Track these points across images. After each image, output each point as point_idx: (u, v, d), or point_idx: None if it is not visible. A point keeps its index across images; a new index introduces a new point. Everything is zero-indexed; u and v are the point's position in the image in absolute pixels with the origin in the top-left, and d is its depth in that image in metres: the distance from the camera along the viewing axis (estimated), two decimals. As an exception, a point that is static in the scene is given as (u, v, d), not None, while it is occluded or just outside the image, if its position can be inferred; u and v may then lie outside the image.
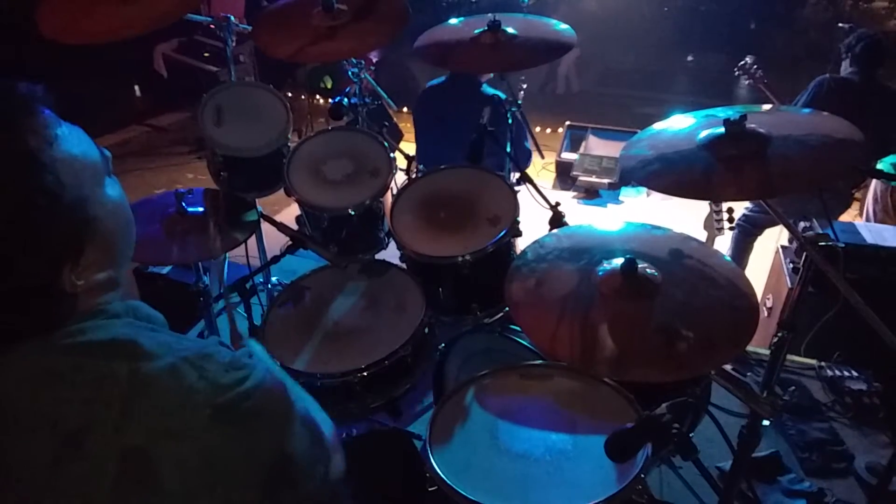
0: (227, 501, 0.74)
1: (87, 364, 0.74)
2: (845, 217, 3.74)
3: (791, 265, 2.92)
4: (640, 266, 1.45)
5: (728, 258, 1.60)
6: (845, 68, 3.37)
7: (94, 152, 0.82)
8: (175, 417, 0.72)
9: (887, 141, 3.23)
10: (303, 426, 0.83)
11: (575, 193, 4.92)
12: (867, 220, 3.84)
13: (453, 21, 2.47)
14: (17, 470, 0.71)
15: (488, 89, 3.06)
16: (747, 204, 3.57)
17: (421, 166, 2.41)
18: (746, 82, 3.73)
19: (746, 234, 3.55)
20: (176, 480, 0.71)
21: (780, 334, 1.47)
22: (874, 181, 3.83)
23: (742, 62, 3.76)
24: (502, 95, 2.93)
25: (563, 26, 2.31)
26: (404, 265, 2.07)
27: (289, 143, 2.42)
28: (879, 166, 3.61)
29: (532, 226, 2.07)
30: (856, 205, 4.12)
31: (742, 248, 3.57)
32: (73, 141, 0.79)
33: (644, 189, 4.80)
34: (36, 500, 0.71)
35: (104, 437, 0.71)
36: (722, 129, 1.41)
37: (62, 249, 0.76)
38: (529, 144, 3.05)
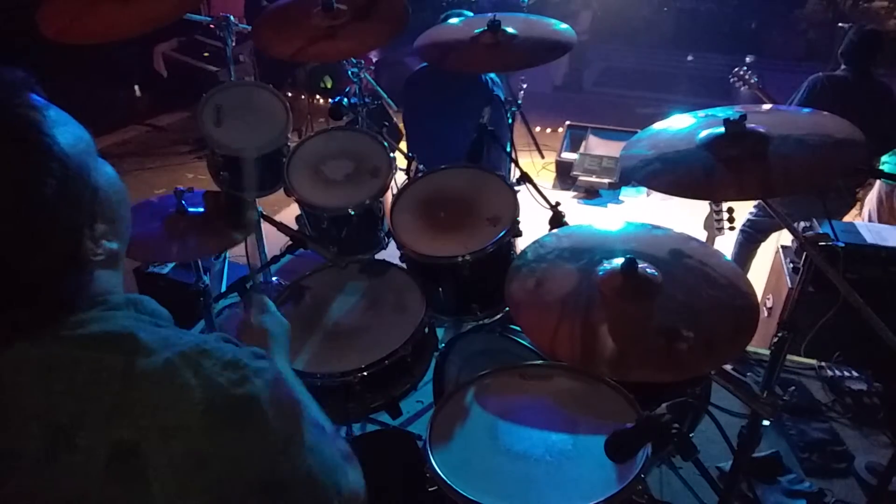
0: (219, 502, 0.73)
1: (82, 357, 0.74)
2: (847, 217, 3.72)
3: (791, 265, 2.92)
4: (640, 266, 1.45)
5: (728, 258, 1.60)
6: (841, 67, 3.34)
7: (84, 130, 0.83)
8: (166, 414, 0.72)
9: (885, 138, 3.20)
10: (310, 451, 0.80)
11: (575, 193, 4.92)
12: (869, 221, 3.82)
13: (453, 21, 2.47)
14: (12, 460, 0.71)
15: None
16: (751, 209, 3.55)
17: (411, 154, 2.39)
18: (742, 89, 3.70)
19: (751, 241, 3.52)
20: (166, 477, 0.70)
21: (780, 334, 1.47)
22: (878, 183, 3.80)
23: (736, 69, 3.71)
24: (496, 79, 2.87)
25: (563, 26, 2.31)
26: (404, 265, 2.07)
27: (289, 143, 2.42)
28: (883, 167, 3.58)
29: (532, 226, 2.07)
30: (857, 204, 4.11)
31: (745, 254, 3.54)
32: (64, 117, 0.80)
33: (644, 189, 4.80)
34: (30, 491, 0.71)
35: (95, 430, 0.71)
36: (722, 129, 1.41)
37: (79, 214, 0.77)
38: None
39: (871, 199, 3.85)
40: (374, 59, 6.00)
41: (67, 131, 0.78)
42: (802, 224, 2.70)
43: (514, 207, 2.01)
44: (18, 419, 0.72)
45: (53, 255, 0.75)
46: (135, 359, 0.73)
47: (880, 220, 3.70)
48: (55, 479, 0.71)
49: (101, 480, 0.70)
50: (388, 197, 2.21)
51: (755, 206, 3.53)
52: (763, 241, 3.55)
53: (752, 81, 3.62)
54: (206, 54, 5.72)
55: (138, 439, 0.70)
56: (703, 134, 1.45)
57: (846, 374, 2.55)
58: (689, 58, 7.17)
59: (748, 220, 3.51)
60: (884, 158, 3.60)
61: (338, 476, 0.85)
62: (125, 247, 0.88)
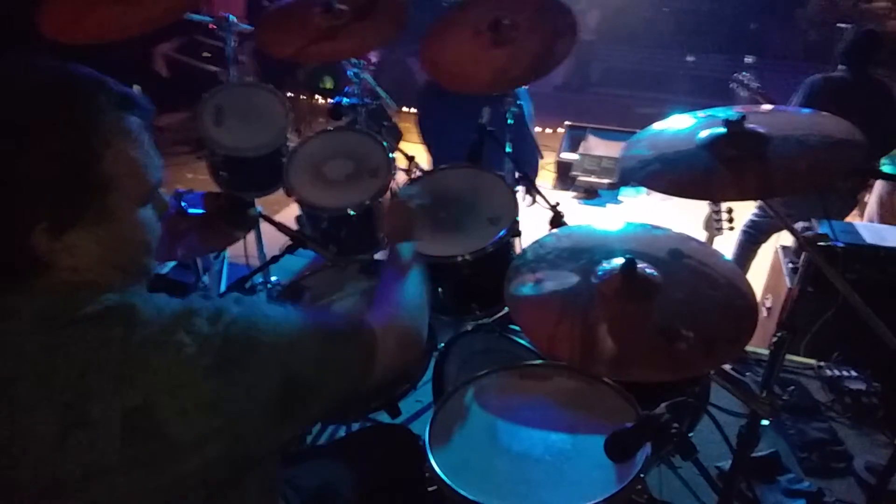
0: (235, 437, 0.79)
1: (81, 335, 0.77)
2: (847, 218, 3.72)
3: (791, 265, 2.92)
4: (639, 266, 1.45)
5: (727, 258, 1.60)
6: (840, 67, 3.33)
7: (154, 174, 0.88)
8: (169, 374, 0.76)
9: (886, 138, 3.19)
10: (321, 346, 0.90)
11: (575, 193, 4.92)
12: (869, 222, 3.81)
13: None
14: (26, 443, 0.74)
15: None
16: (753, 210, 3.55)
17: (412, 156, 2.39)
18: (743, 94, 3.68)
19: (752, 241, 3.52)
20: (181, 430, 0.76)
21: (779, 334, 1.47)
22: (878, 183, 3.80)
23: (736, 73, 3.71)
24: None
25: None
26: (404, 265, 2.07)
27: (288, 143, 2.42)
28: (883, 168, 3.58)
29: (532, 226, 2.07)
30: (857, 205, 4.10)
31: (746, 254, 3.54)
32: (141, 150, 0.87)
33: (644, 189, 4.80)
34: (48, 470, 0.74)
35: (104, 403, 0.74)
36: (722, 129, 1.41)
37: (50, 202, 0.78)
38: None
39: (871, 199, 3.85)
40: (375, 60, 6.00)
41: (129, 154, 0.84)
42: (802, 224, 2.70)
43: (514, 207, 2.01)
44: (30, 402, 0.75)
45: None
46: (131, 330, 0.78)
47: (881, 221, 3.70)
48: (75, 453, 0.73)
49: (119, 446, 0.74)
50: (388, 197, 2.21)
51: (757, 207, 3.53)
52: (764, 241, 3.55)
53: (753, 86, 3.61)
54: (206, 54, 5.71)
55: (147, 402, 0.75)
56: (703, 134, 1.45)
57: (845, 373, 2.55)
58: (689, 58, 7.16)
59: (750, 220, 3.51)
60: (884, 159, 3.59)
61: (360, 338, 0.99)
62: (132, 280, 0.90)
